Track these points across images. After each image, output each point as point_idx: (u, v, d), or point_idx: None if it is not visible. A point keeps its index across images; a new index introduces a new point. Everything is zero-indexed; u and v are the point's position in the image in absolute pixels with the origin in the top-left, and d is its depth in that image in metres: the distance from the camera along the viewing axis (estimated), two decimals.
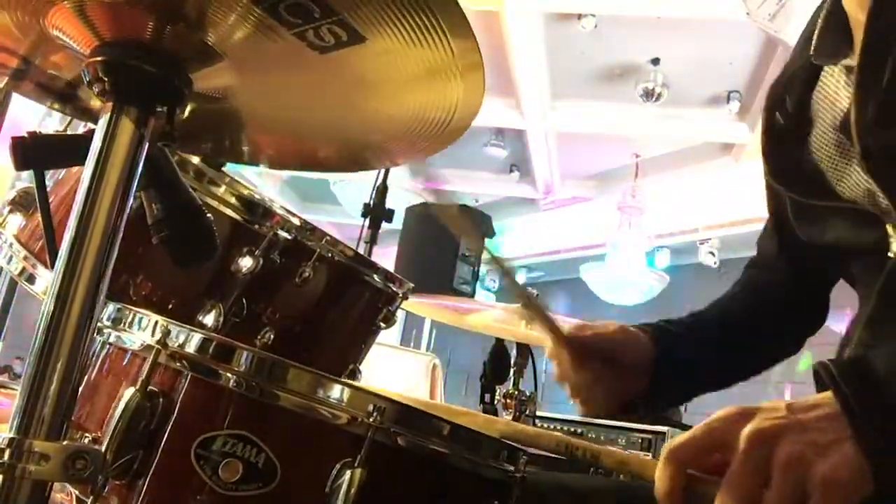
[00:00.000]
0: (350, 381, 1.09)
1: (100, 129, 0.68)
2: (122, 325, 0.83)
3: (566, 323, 1.03)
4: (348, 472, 0.71)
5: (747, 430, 0.57)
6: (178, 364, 0.76)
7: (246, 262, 1.05)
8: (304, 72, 0.72)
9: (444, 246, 4.78)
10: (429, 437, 0.76)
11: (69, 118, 1.05)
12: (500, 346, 2.08)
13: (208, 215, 0.83)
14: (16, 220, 1.13)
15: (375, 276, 1.23)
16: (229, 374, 0.73)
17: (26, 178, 1.14)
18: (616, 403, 1.03)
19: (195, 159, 1.05)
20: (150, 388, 0.75)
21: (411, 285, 1.30)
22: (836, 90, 0.87)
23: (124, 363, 0.83)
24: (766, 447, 0.56)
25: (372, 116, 0.81)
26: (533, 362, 2.06)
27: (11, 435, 0.62)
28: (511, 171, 6.97)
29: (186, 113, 0.77)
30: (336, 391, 0.74)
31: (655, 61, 5.05)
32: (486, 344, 2.11)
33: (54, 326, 0.64)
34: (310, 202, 8.11)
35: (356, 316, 1.27)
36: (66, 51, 0.73)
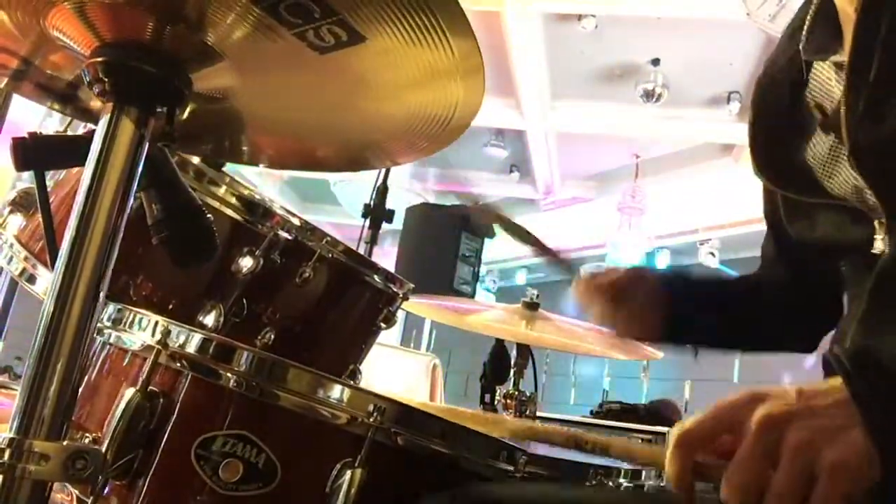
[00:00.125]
0: (350, 382, 1.10)
1: (100, 129, 0.68)
2: (122, 325, 0.83)
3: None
4: (348, 472, 0.71)
5: (758, 414, 0.57)
6: (178, 364, 0.76)
7: (246, 263, 1.05)
8: (304, 72, 0.72)
9: (444, 246, 4.78)
10: (429, 437, 0.76)
11: (69, 119, 1.06)
12: (500, 347, 2.07)
13: (208, 215, 0.83)
14: (16, 221, 1.13)
15: (376, 277, 1.23)
16: (229, 375, 0.74)
17: (27, 179, 1.14)
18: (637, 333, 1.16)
19: (195, 159, 1.05)
20: (151, 388, 0.75)
21: (411, 286, 1.30)
22: (826, 86, 0.86)
23: (124, 363, 0.83)
24: (776, 431, 0.56)
25: (372, 116, 0.81)
26: (533, 362, 2.06)
27: (11, 435, 0.62)
28: (511, 171, 6.96)
29: (186, 113, 0.77)
30: (336, 391, 0.74)
31: (655, 61, 5.05)
32: (486, 344, 2.11)
33: (54, 326, 0.64)
34: (310, 202, 8.10)
35: (356, 316, 1.27)
36: (66, 51, 0.73)
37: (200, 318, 1.05)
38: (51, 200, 1.00)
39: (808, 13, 0.90)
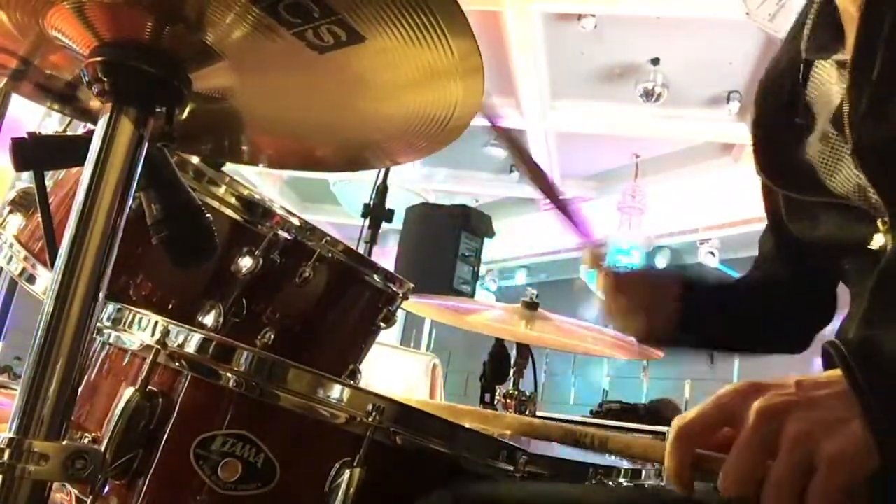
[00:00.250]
0: (349, 381, 1.10)
1: (99, 129, 0.68)
2: (121, 325, 0.83)
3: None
4: (347, 472, 0.71)
5: (756, 404, 0.57)
6: (177, 364, 0.76)
7: (246, 262, 1.05)
8: (303, 72, 0.72)
9: (444, 246, 4.78)
10: (428, 436, 0.76)
11: (69, 119, 1.06)
12: (500, 346, 2.08)
13: (208, 215, 0.83)
14: (16, 221, 1.13)
15: (375, 276, 1.23)
16: (229, 374, 0.74)
17: (26, 179, 1.14)
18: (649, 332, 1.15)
19: (195, 159, 1.05)
20: (150, 388, 0.75)
21: (411, 285, 1.30)
22: (827, 85, 0.87)
23: (124, 363, 0.83)
24: (775, 422, 0.56)
25: (371, 116, 0.81)
26: (533, 362, 2.06)
27: (11, 435, 0.62)
28: (511, 171, 6.96)
29: (186, 113, 0.77)
30: (335, 391, 0.74)
31: (655, 61, 5.05)
32: (486, 344, 2.11)
33: (54, 326, 0.64)
34: (310, 202, 8.10)
35: (356, 316, 1.27)
36: (65, 51, 0.73)
37: (200, 318, 1.05)
38: (50, 200, 1.00)
39: (809, 13, 0.90)
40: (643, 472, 1.05)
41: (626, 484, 1.04)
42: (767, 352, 1.16)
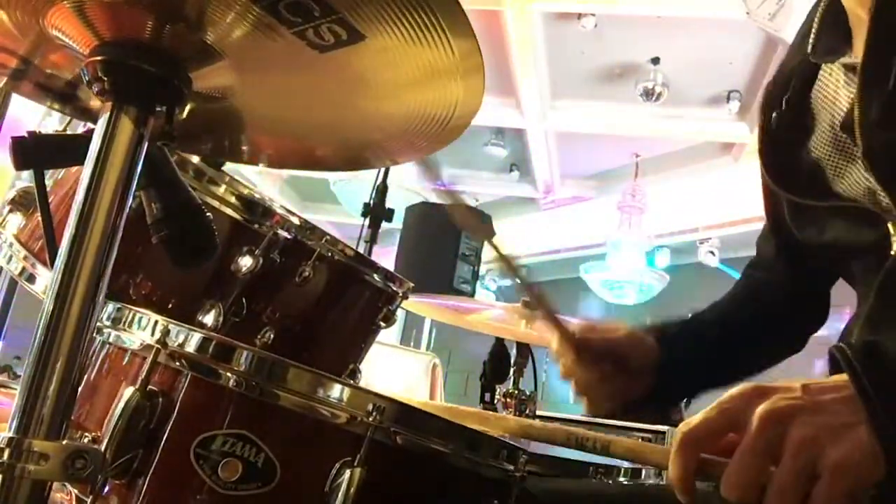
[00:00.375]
0: (349, 381, 1.10)
1: (99, 128, 0.68)
2: (121, 324, 0.83)
3: (572, 322, 1.05)
4: (348, 472, 0.71)
5: (761, 409, 0.57)
6: (177, 363, 0.76)
7: (246, 262, 1.05)
8: (303, 71, 0.72)
9: (444, 246, 4.78)
10: (428, 436, 0.76)
11: (69, 118, 1.05)
12: (500, 346, 2.08)
13: (208, 215, 0.83)
14: (16, 220, 1.13)
15: (375, 276, 1.23)
16: (229, 374, 0.73)
17: (26, 178, 1.14)
18: (621, 403, 1.05)
19: (195, 158, 1.05)
20: (150, 387, 0.75)
21: (411, 285, 1.30)
22: (835, 88, 0.86)
23: (124, 363, 0.83)
24: (780, 427, 0.56)
25: (371, 115, 0.81)
26: (533, 362, 2.06)
27: (11, 435, 0.62)
28: (511, 170, 6.96)
29: (186, 112, 0.77)
30: (336, 391, 0.74)
31: (655, 61, 5.05)
32: (486, 344, 2.11)
33: (54, 326, 0.64)
34: (310, 202, 8.10)
35: (356, 315, 1.27)
36: (65, 50, 0.73)
37: (200, 318, 1.05)
38: (50, 200, 1.00)
39: (815, 16, 0.90)
40: (643, 472, 1.05)
41: (625, 483, 1.05)
42: (771, 364, 1.14)
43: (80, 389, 0.69)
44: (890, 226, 0.80)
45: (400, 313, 1.33)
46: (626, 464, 1.03)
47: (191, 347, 0.76)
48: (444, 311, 2.15)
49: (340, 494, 0.70)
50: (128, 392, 0.74)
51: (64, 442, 0.64)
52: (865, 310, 0.81)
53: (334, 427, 0.73)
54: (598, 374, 1.01)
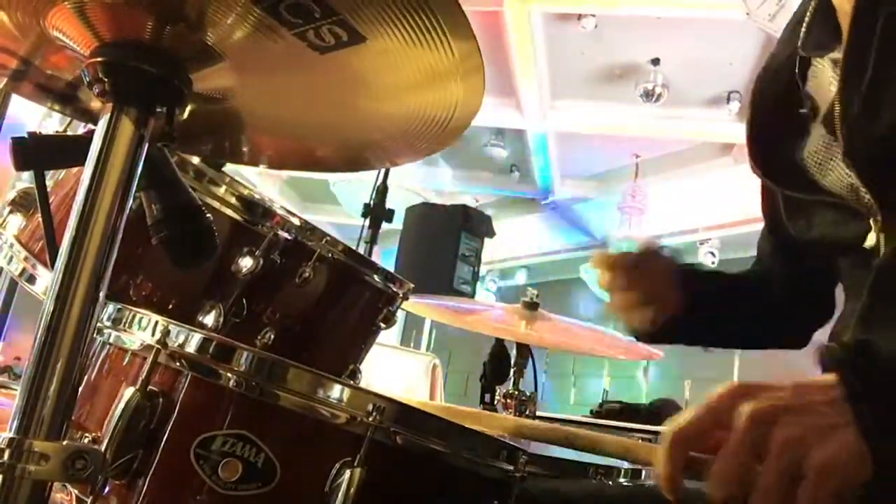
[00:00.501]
0: (349, 381, 1.10)
1: (100, 129, 0.68)
2: (122, 325, 0.83)
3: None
4: (348, 472, 0.71)
5: (748, 408, 0.56)
6: (177, 364, 0.76)
7: (246, 262, 1.05)
8: (304, 72, 0.72)
9: (444, 246, 4.78)
10: (428, 436, 0.76)
11: (69, 119, 1.06)
12: (500, 346, 2.08)
13: (208, 215, 0.83)
14: (16, 221, 1.13)
15: (375, 277, 1.23)
16: (229, 374, 0.74)
17: (26, 179, 1.14)
18: (649, 331, 1.12)
19: (195, 159, 1.05)
20: (150, 387, 0.75)
21: (411, 285, 1.30)
22: (825, 83, 0.86)
23: (124, 363, 0.83)
24: (765, 426, 0.55)
25: (372, 116, 0.81)
26: (533, 362, 2.06)
27: (11, 435, 0.62)
28: (511, 171, 6.96)
29: (186, 113, 0.77)
30: (336, 391, 0.74)
31: (655, 61, 5.04)
32: (486, 344, 2.11)
33: (54, 326, 0.64)
34: (310, 202, 8.10)
35: (356, 316, 1.27)
36: (65, 51, 0.73)
37: (200, 318, 1.05)
38: (50, 200, 1.00)
39: (807, 10, 0.90)
40: (643, 472, 1.05)
41: (625, 483, 1.05)
42: (765, 347, 1.16)
43: (80, 390, 0.69)
44: (871, 221, 0.80)
45: (400, 314, 1.33)
46: (625, 464, 1.03)
47: (191, 348, 0.76)
48: (444, 311, 2.15)
49: (340, 494, 0.70)
50: (128, 392, 0.74)
51: (64, 442, 0.64)
52: (858, 309, 0.81)
53: (334, 427, 0.73)
54: (631, 299, 1.09)
